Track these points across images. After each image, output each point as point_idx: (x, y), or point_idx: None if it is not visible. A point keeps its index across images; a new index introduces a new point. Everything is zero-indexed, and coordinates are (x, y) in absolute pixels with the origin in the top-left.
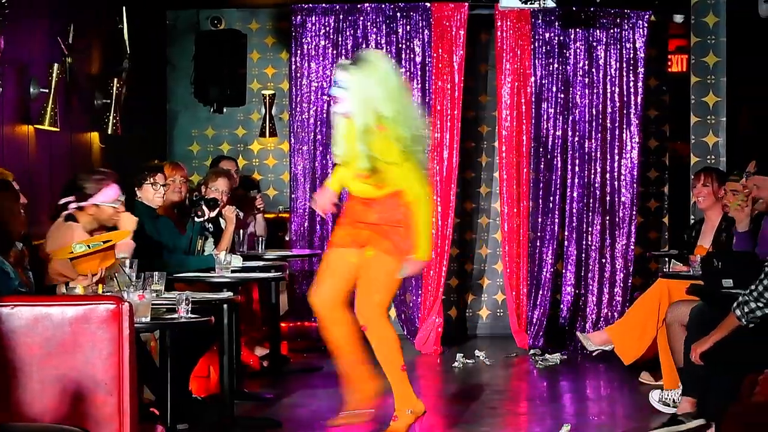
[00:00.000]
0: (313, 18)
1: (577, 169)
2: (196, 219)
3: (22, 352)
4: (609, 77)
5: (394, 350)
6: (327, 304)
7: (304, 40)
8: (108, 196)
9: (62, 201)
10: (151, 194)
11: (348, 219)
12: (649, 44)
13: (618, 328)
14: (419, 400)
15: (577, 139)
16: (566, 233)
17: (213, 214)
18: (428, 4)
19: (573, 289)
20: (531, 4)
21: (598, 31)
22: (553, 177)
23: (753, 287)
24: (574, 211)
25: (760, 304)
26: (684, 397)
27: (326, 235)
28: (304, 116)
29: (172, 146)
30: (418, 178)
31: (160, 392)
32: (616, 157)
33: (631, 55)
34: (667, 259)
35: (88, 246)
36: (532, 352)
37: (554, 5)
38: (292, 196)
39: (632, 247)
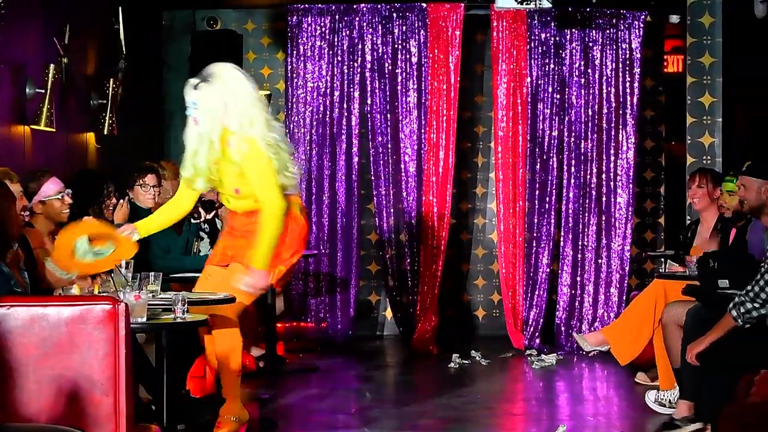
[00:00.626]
0: (309, 18)
1: (573, 169)
2: (192, 220)
3: (19, 353)
4: (605, 78)
5: (236, 354)
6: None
7: (300, 41)
8: (49, 190)
9: (18, 212)
10: (142, 196)
11: (228, 228)
12: (645, 45)
13: (614, 329)
14: (245, 409)
15: (573, 139)
16: (562, 234)
17: (209, 216)
18: (424, 5)
19: (569, 290)
20: (527, 4)
21: (593, 31)
22: (549, 177)
23: (749, 288)
24: (570, 211)
25: (756, 305)
26: (681, 400)
27: (322, 236)
28: (300, 117)
29: (168, 147)
30: (272, 188)
31: (156, 392)
32: (612, 158)
33: (627, 56)
34: (663, 259)
35: (94, 254)
36: (528, 352)
37: (550, 5)
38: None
39: (628, 247)
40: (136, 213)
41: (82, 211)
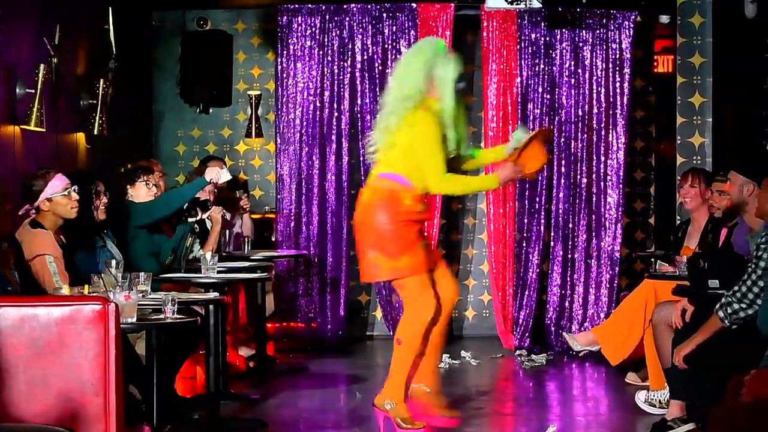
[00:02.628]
0: (299, 18)
1: (563, 169)
2: (188, 219)
3: (9, 353)
4: (595, 78)
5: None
6: None
7: (290, 41)
8: (56, 187)
9: (21, 212)
10: (144, 193)
11: (420, 226)
12: (635, 45)
13: (605, 329)
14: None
15: (563, 139)
16: (552, 234)
17: (206, 215)
18: (414, 5)
19: (559, 290)
20: (517, 4)
21: (584, 31)
22: (539, 177)
23: (736, 288)
24: (561, 211)
25: (744, 305)
26: (673, 400)
27: (312, 236)
28: (290, 117)
29: (157, 147)
30: None
31: (146, 392)
32: (602, 158)
33: (617, 56)
34: (653, 259)
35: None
36: (518, 352)
37: (540, 6)
38: (278, 196)
39: (618, 247)
40: (130, 209)
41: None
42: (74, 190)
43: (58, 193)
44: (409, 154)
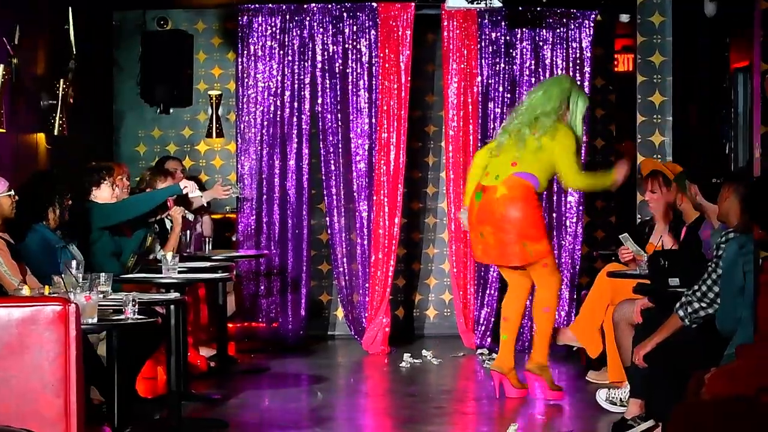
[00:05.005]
0: (260, 18)
1: None
2: (148, 219)
3: None
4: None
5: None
6: None
7: (250, 41)
8: (1, 188)
9: None
10: (109, 194)
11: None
12: (595, 44)
13: (577, 325)
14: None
15: None
16: None
17: (165, 214)
18: (375, 4)
19: None
20: (477, 3)
21: (544, 30)
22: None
23: (696, 287)
24: None
25: (704, 304)
26: (632, 399)
27: (273, 236)
28: (250, 117)
29: (118, 147)
30: None
31: (107, 393)
32: None
33: (578, 55)
34: (613, 258)
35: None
36: (479, 351)
37: (500, 5)
38: (239, 196)
39: (579, 246)
40: (93, 209)
41: (40, 212)
42: (13, 195)
43: (3, 193)
44: (543, 159)
